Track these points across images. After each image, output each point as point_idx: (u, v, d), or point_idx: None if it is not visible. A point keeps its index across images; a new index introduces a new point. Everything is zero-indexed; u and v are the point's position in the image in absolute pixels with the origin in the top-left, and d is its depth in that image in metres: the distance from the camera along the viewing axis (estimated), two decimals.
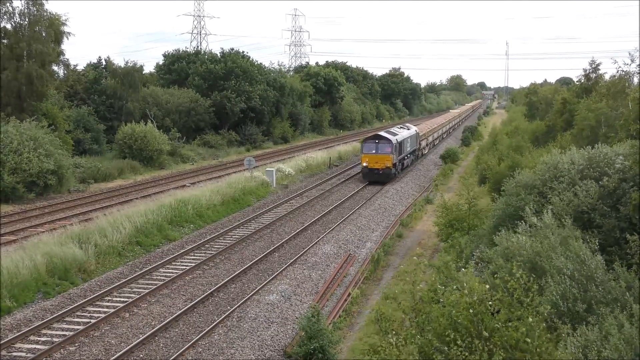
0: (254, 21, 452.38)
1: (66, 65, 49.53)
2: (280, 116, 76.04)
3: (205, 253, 26.90)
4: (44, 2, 44.03)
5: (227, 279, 23.35)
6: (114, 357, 16.57)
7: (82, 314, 19.72)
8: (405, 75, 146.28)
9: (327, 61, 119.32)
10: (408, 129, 56.30)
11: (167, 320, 19.19)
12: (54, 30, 44.15)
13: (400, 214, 37.91)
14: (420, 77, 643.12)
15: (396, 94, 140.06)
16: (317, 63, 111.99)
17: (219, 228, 31.59)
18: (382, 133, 47.86)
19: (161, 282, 22.64)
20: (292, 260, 26.03)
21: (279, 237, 30.19)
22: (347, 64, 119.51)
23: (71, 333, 17.96)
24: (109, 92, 56.84)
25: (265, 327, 19.34)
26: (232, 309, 20.31)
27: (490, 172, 33.92)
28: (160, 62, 74.75)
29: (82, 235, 25.24)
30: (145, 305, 20.73)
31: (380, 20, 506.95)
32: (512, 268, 10.20)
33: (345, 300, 22.40)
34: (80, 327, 18.37)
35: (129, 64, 59.23)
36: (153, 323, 19.20)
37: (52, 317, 19.04)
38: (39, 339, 17.75)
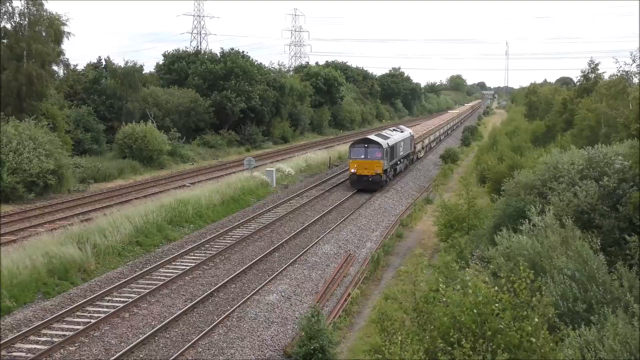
0: (254, 21, 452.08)
1: (66, 65, 49.51)
2: (280, 116, 76.06)
3: (205, 253, 26.90)
4: (43, 2, 44.05)
5: (227, 279, 23.35)
6: (114, 357, 16.57)
7: (82, 314, 19.72)
8: (405, 75, 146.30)
9: (327, 61, 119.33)
10: (401, 132, 52.93)
11: (167, 320, 19.19)
12: (54, 30, 44.13)
13: (400, 214, 37.91)
14: (420, 77, 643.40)
15: (396, 94, 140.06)
16: (317, 63, 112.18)
17: (219, 228, 31.59)
18: (372, 136, 44.64)
19: (161, 282, 22.63)
20: (292, 260, 26.03)
21: (279, 237, 30.19)
22: (347, 64, 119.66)
23: (71, 333, 17.96)
24: (108, 92, 56.84)
25: (265, 327, 19.34)
26: (232, 309, 20.31)
27: (490, 172, 33.91)
28: (160, 62, 74.79)
29: (82, 235, 25.24)
30: (145, 305, 20.73)
31: (380, 20, 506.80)
32: (520, 268, 10.17)
33: (345, 300, 22.40)
34: (80, 327, 18.36)
35: (128, 64, 59.24)
36: (153, 323, 19.19)
37: (52, 317, 19.04)
38: (39, 339, 17.75)
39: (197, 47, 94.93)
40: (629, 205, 16.31)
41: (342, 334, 19.63)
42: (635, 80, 32.74)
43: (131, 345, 17.22)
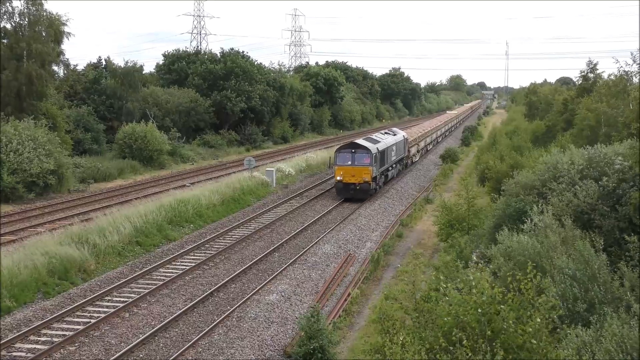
0: (254, 21, 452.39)
1: (66, 65, 49.52)
2: (280, 116, 76.07)
3: (205, 253, 26.90)
4: (43, 2, 44.03)
5: (227, 279, 23.35)
6: (114, 357, 16.56)
7: (82, 313, 19.72)
8: (405, 75, 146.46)
9: (327, 61, 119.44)
10: (394, 135, 49.11)
11: (167, 320, 19.19)
12: (54, 30, 44.13)
13: (400, 213, 37.91)
14: (420, 77, 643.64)
15: (396, 94, 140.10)
16: (317, 63, 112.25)
17: (219, 228, 31.58)
18: (360, 141, 40.70)
19: (161, 282, 22.63)
20: (292, 260, 26.03)
21: (279, 237, 30.19)
22: (347, 64, 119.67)
23: (71, 333, 17.96)
24: (108, 92, 56.84)
25: (265, 327, 19.34)
26: (232, 309, 20.30)
27: (491, 171, 33.89)
28: (160, 62, 74.82)
29: (82, 235, 25.24)
30: (145, 305, 20.73)
31: (380, 20, 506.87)
32: (527, 269, 10.16)
33: (345, 300, 22.40)
34: (80, 327, 18.36)
35: (128, 64, 59.26)
36: (153, 323, 19.19)
37: (52, 317, 19.04)
38: (38, 338, 17.74)
39: (197, 47, 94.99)
40: (629, 206, 16.30)
41: (342, 334, 19.62)
42: (636, 80, 32.76)
43: (131, 345, 17.22)
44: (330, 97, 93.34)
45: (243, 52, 73.87)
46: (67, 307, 19.98)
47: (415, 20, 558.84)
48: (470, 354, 9.32)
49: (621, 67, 32.73)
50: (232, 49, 73.48)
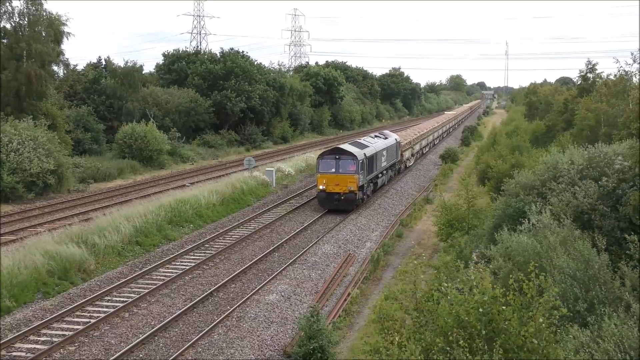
0: (254, 21, 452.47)
1: (66, 65, 49.51)
2: (280, 116, 76.08)
3: (205, 253, 26.89)
4: (43, 2, 44.05)
5: (227, 278, 23.34)
6: (113, 357, 16.56)
7: (82, 313, 19.71)
8: (405, 75, 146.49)
9: (327, 61, 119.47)
10: (385, 138, 45.58)
11: (167, 320, 19.19)
12: (54, 30, 44.14)
13: (400, 213, 37.90)
14: (420, 77, 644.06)
15: (396, 94, 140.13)
16: (317, 63, 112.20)
17: (219, 228, 31.58)
18: (345, 146, 37.63)
19: (161, 282, 22.63)
20: (291, 260, 26.02)
21: (278, 237, 30.18)
22: (347, 64, 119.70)
23: (71, 333, 17.95)
24: (108, 92, 56.85)
25: (265, 327, 19.33)
26: (231, 309, 20.30)
27: (492, 171, 33.86)
28: (160, 62, 74.82)
29: (82, 235, 25.24)
30: (145, 305, 20.72)
31: (380, 20, 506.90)
32: (529, 269, 10.15)
33: (345, 300, 22.39)
34: (80, 327, 18.36)
35: (128, 64, 59.29)
36: (153, 323, 19.19)
37: (51, 317, 19.04)
38: (38, 338, 17.74)
39: (197, 47, 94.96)
40: (628, 206, 16.30)
41: (342, 334, 19.62)
42: (636, 80, 32.79)
43: (131, 345, 17.22)
44: (330, 97, 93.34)
45: (243, 52, 73.98)
46: (66, 307, 19.98)
47: (415, 20, 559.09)
48: (468, 354, 9.31)
49: (621, 67, 32.79)
50: (232, 49, 73.56)
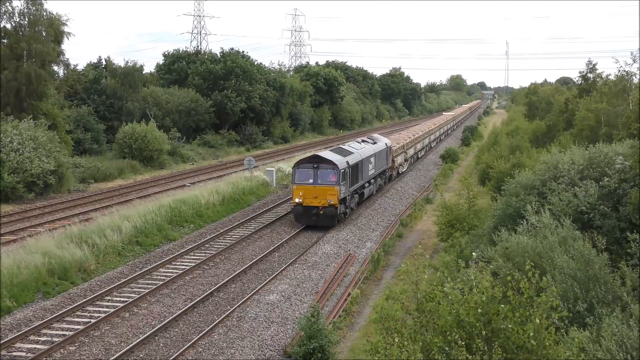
0: (254, 21, 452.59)
1: (66, 65, 49.63)
2: (280, 116, 76.07)
3: (205, 253, 26.89)
4: (43, 2, 44.05)
5: (227, 278, 23.34)
6: (113, 357, 16.56)
7: (82, 313, 19.71)
8: (405, 75, 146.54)
9: (327, 61, 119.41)
10: (373, 143, 41.51)
11: (167, 320, 19.18)
12: (54, 30, 44.16)
13: (400, 213, 37.89)
14: (421, 77, 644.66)
15: (396, 94, 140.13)
16: (317, 63, 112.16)
17: (219, 228, 31.57)
18: (325, 153, 33.56)
19: (161, 282, 22.63)
20: (292, 260, 26.02)
21: (279, 236, 30.17)
22: (347, 64, 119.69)
23: (71, 333, 17.95)
24: (109, 92, 56.85)
25: (265, 327, 19.33)
26: (232, 309, 20.29)
27: (493, 171, 33.83)
28: (160, 62, 74.83)
29: (82, 235, 25.23)
30: (146, 305, 20.72)
31: (380, 20, 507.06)
32: (526, 268, 10.15)
33: (345, 300, 22.39)
34: (80, 327, 18.35)
35: (129, 64, 59.31)
36: (153, 323, 19.18)
37: (52, 316, 19.04)
38: (39, 338, 17.74)
39: (197, 47, 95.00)
40: (628, 206, 16.29)
41: (342, 334, 19.62)
42: (636, 80, 32.79)
43: (131, 345, 17.22)
44: (330, 97, 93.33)
45: (243, 52, 73.98)
46: (67, 307, 19.97)
47: (415, 20, 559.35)
48: (467, 354, 9.30)
49: (621, 67, 32.79)
50: (232, 48, 73.55)
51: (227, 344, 17.86)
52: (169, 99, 62.12)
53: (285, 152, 65.01)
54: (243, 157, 53.02)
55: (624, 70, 32.62)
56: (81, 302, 20.38)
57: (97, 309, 20.13)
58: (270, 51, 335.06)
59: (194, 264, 24.90)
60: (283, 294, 22.17)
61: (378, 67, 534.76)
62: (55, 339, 17.54)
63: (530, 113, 71.45)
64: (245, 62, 69.55)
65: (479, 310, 9.66)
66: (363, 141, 41.14)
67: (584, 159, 19.23)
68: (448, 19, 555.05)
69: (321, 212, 30.93)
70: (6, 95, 42.00)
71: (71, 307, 19.87)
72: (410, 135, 57.38)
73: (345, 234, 31.15)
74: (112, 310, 19.76)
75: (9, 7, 42.74)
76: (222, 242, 28.75)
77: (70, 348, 17.26)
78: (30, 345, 17.27)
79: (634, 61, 30.58)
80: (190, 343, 17.57)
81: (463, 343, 9.38)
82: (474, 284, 10.16)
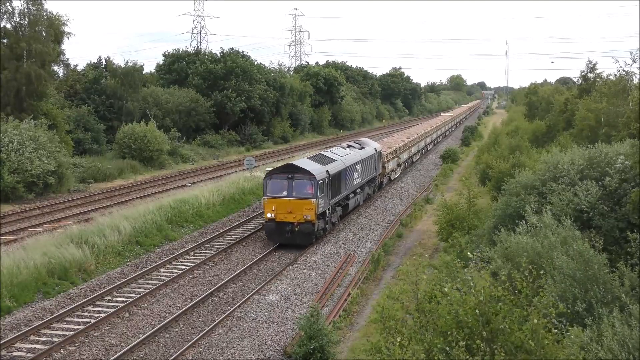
0: (254, 21, 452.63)
1: (66, 65, 49.63)
2: (280, 116, 76.07)
3: (205, 253, 26.89)
4: (43, 2, 44.04)
5: (227, 278, 23.34)
6: (114, 357, 16.56)
7: (82, 313, 19.71)
8: (405, 75, 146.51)
9: (327, 61, 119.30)
10: (360, 148, 37.92)
11: (167, 320, 19.19)
12: (54, 30, 44.17)
13: (400, 213, 37.89)
14: (420, 77, 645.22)
15: (396, 94, 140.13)
16: (317, 63, 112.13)
17: (219, 228, 31.57)
18: (302, 162, 29.58)
19: (161, 282, 22.63)
20: (292, 260, 26.01)
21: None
22: (347, 64, 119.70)
23: (71, 333, 17.95)
24: (109, 92, 56.84)
25: (265, 327, 19.33)
26: (232, 309, 20.30)
27: (493, 171, 33.83)
28: (160, 62, 74.79)
29: (82, 235, 25.23)
30: (145, 305, 20.72)
31: (380, 20, 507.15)
32: (522, 265, 10.16)
33: (345, 300, 22.39)
34: (80, 327, 18.35)
35: (129, 64, 59.28)
36: (153, 323, 19.19)
37: (52, 317, 19.04)
38: (39, 338, 17.74)
39: (197, 47, 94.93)
40: (628, 205, 16.30)
41: (342, 334, 19.62)
42: (636, 80, 32.82)
43: (131, 345, 17.22)
44: (330, 97, 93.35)
45: (243, 52, 73.95)
46: (67, 307, 19.97)
47: (415, 20, 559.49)
48: (467, 355, 9.31)
49: (621, 67, 32.82)
50: (232, 48, 73.51)
51: (227, 344, 17.87)
52: (169, 99, 62.12)
53: (285, 152, 65.02)
54: (243, 157, 53.03)
55: (624, 70, 32.67)
56: (81, 302, 20.38)
57: (97, 309, 20.13)
58: (270, 51, 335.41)
59: (194, 264, 24.90)
60: (283, 294, 22.17)
61: (378, 67, 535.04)
62: (55, 339, 17.55)
63: (530, 113, 71.46)
64: (245, 62, 69.55)
65: (477, 311, 9.67)
66: (349, 146, 37.54)
67: (584, 159, 19.24)
68: (448, 19, 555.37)
69: (296, 228, 27.25)
70: (6, 95, 41.99)
71: (71, 307, 19.87)
72: (404, 138, 54.03)
73: (345, 234, 31.16)
74: (112, 310, 19.76)
75: (9, 7, 42.77)
76: (222, 242, 28.75)
77: (70, 348, 17.26)
78: (30, 345, 17.27)
79: (634, 61, 30.62)
80: (190, 343, 17.57)
81: (463, 343, 9.39)
82: (472, 284, 10.18)
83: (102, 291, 21.46)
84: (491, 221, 21.23)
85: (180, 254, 26.38)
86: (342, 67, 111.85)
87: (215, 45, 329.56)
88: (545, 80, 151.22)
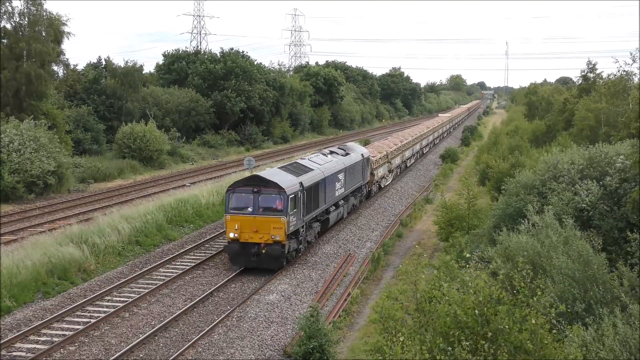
0: (254, 21, 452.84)
1: (66, 65, 49.57)
2: (280, 116, 76.05)
3: (205, 253, 26.88)
4: (43, 2, 44.01)
5: (227, 278, 23.33)
6: (113, 357, 16.56)
7: (82, 313, 19.71)
8: (405, 75, 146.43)
9: (327, 61, 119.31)
10: (345, 154, 33.95)
11: (167, 320, 19.19)
12: (54, 30, 44.14)
13: (400, 213, 37.90)
14: (420, 77, 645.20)
15: (396, 93, 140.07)
16: (317, 63, 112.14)
17: (219, 228, 31.53)
18: (270, 172, 25.86)
19: (161, 282, 22.63)
20: (292, 260, 25.99)
21: None
22: (347, 64, 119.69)
23: (71, 333, 17.95)
24: (108, 92, 56.81)
25: (265, 327, 19.33)
26: (231, 309, 20.30)
27: (492, 171, 33.83)
28: (160, 62, 74.78)
29: (82, 235, 25.22)
30: (145, 304, 20.72)
31: (380, 20, 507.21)
32: (520, 264, 10.16)
33: (345, 300, 22.40)
34: (80, 327, 18.36)
35: (128, 64, 59.24)
36: (153, 323, 19.19)
37: (51, 316, 19.04)
38: (38, 338, 17.74)
39: (197, 47, 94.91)
40: (628, 204, 16.30)
41: (342, 334, 19.64)
42: (636, 79, 32.82)
43: (131, 345, 17.22)
44: (330, 97, 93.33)
45: (243, 52, 73.92)
46: (67, 307, 19.97)
47: (415, 20, 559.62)
48: (469, 355, 9.31)
49: (620, 67, 32.82)
50: (232, 48, 73.47)
51: (227, 344, 17.87)
52: (169, 99, 62.10)
53: (285, 152, 65.00)
54: (243, 157, 53.00)
55: (624, 70, 32.67)
56: (81, 302, 20.38)
57: (97, 309, 20.13)
58: (270, 51, 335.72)
59: (193, 264, 24.89)
60: (283, 293, 22.17)
61: (378, 67, 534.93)
62: (55, 339, 17.55)
63: (530, 113, 71.47)
64: (245, 62, 69.53)
65: (476, 311, 9.68)
66: (332, 152, 33.49)
67: (584, 159, 19.25)
68: (448, 19, 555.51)
69: (263, 250, 23.56)
70: (6, 95, 41.97)
71: (71, 307, 19.87)
72: (396, 142, 49.77)
73: (345, 234, 31.16)
74: (112, 310, 19.76)
75: (9, 7, 42.75)
76: (222, 242, 28.73)
77: (70, 348, 17.26)
78: (30, 345, 17.28)
79: (634, 61, 30.61)
80: (190, 343, 17.57)
81: (467, 343, 9.39)
82: (470, 284, 10.19)
83: (102, 291, 21.46)
84: (491, 221, 21.24)
85: (180, 254, 26.37)
86: (342, 67, 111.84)
87: (215, 45, 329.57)
88: (545, 80, 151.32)
